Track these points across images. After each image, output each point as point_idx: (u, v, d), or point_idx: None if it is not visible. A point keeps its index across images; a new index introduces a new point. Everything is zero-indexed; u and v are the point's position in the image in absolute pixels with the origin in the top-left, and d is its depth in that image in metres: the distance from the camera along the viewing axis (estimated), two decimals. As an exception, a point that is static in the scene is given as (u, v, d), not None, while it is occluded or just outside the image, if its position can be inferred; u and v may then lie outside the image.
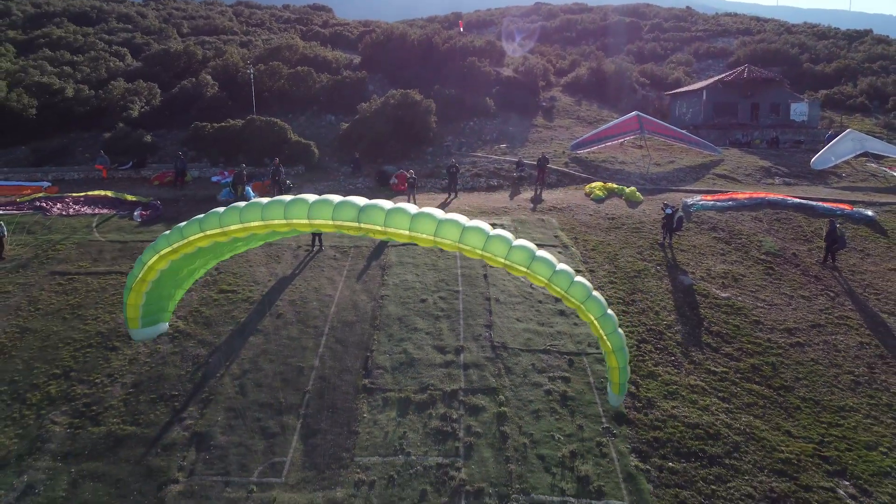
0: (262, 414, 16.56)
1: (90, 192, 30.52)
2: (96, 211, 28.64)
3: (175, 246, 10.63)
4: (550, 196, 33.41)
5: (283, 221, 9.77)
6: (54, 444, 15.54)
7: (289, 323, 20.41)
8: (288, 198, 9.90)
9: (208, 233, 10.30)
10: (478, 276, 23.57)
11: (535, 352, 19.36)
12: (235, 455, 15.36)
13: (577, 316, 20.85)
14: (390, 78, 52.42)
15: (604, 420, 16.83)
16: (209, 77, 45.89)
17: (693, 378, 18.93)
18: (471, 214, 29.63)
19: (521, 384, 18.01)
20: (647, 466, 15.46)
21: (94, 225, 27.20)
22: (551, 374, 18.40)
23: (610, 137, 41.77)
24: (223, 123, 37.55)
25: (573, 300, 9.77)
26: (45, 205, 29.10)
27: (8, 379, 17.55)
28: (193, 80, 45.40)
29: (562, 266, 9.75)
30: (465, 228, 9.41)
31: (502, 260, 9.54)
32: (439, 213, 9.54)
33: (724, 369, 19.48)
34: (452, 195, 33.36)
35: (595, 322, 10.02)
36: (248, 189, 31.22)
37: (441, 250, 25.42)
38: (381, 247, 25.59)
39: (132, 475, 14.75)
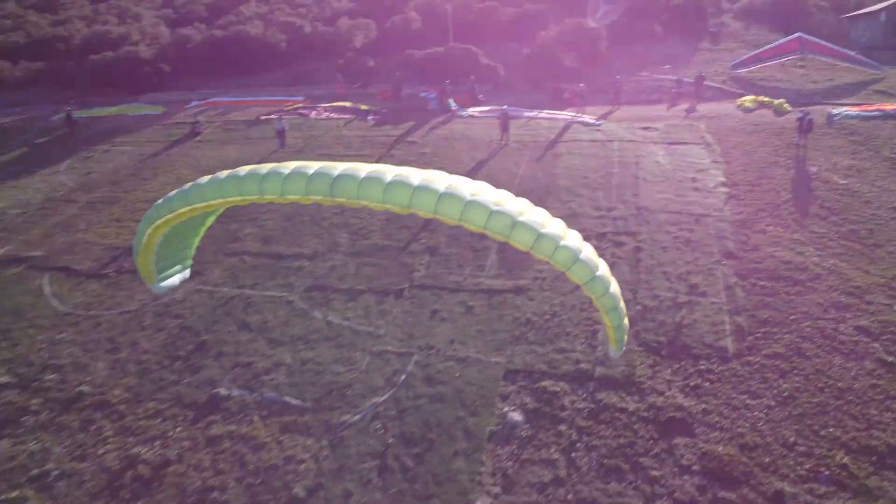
0: (470, 238, 23.98)
1: (334, 103, 39.47)
2: (341, 116, 37.46)
3: (165, 219, 10.53)
4: (704, 108, 37.62)
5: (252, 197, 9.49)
6: (343, 248, 24.03)
7: (486, 189, 27.62)
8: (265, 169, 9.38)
9: (196, 206, 10.05)
10: (630, 162, 29.32)
11: (670, 212, 25.08)
12: (455, 259, 22.93)
13: (710, 191, 26.32)
14: (567, 8, 57.17)
15: (716, 256, 22.41)
16: (414, 13, 53.62)
17: (797, 234, 23.77)
18: (630, 122, 35.08)
19: (655, 231, 23.95)
20: (744, 283, 21.00)
21: (341, 125, 36.00)
22: (680, 226, 24.10)
23: (770, 58, 44.27)
24: (428, 50, 45.08)
25: (559, 266, 8.94)
26: (303, 112, 38.39)
27: (300, 213, 26.38)
28: (401, 15, 53.34)
29: (548, 231, 8.77)
30: (441, 196, 8.61)
31: (481, 228, 8.68)
32: (427, 185, 8.69)
33: (825, 230, 24.05)
34: (617, 107, 38.61)
35: (582, 287, 9.29)
36: (451, 101, 38.56)
37: (605, 142, 31.45)
38: (556, 141, 32.00)
39: (391, 265, 22.81)
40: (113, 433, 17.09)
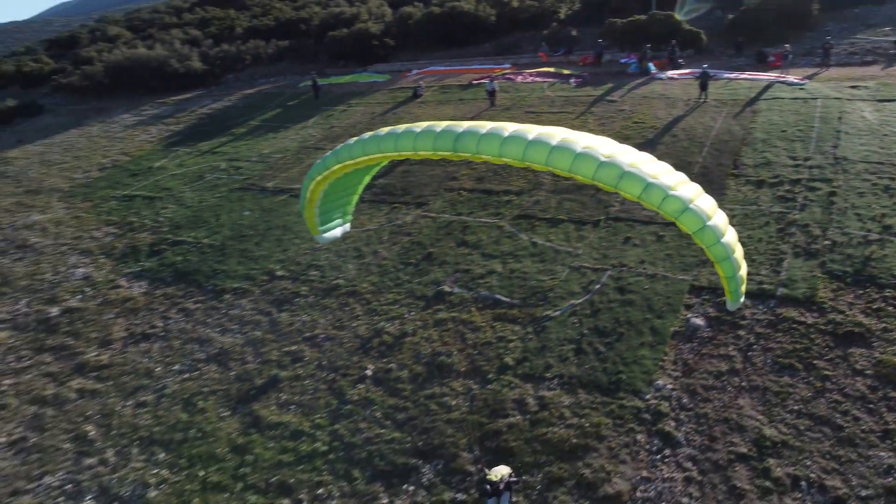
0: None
1: (539, 69, 42.49)
2: (545, 79, 40.38)
3: (323, 175, 12.10)
4: (926, 68, 35.66)
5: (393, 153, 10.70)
6: (546, 186, 27.10)
7: (679, 140, 29.20)
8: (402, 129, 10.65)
9: (347, 163, 11.48)
10: (832, 118, 29.26)
11: (872, 163, 25.13)
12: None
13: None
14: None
15: (918, 203, 22.43)
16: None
17: None
18: (837, 81, 34.39)
19: (852, 178, 24.26)
20: (945, 228, 21.03)
21: (545, 87, 38.95)
22: (881, 175, 24.19)
23: None
24: (631, 18, 46.44)
25: (667, 215, 9.15)
26: (511, 77, 41.81)
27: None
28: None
29: (657, 181, 8.98)
30: (552, 149, 9.21)
31: (590, 179, 9.11)
32: (542, 139, 9.31)
33: None
34: (824, 69, 37.62)
35: (692, 236, 9.35)
36: (650, 65, 39.94)
37: (807, 100, 31.49)
38: (756, 99, 32.52)
39: (589, 201, 25.46)
40: (363, 313, 21.64)
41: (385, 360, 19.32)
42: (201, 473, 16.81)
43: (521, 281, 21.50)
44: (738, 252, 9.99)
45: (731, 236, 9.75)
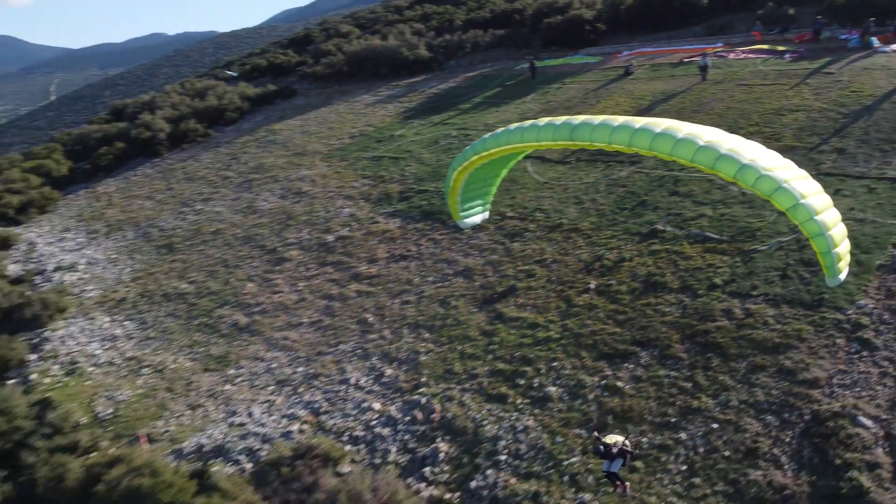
0: (880, 142, 26.76)
1: (752, 47, 43.37)
2: (758, 56, 41.33)
3: (463, 166, 13.63)
4: None
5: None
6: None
7: None
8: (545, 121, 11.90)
9: (482, 154, 12.95)
10: None
11: None
12: (861, 156, 26.18)
13: None
14: None
15: None
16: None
17: None
18: None
19: None
20: None
21: (759, 63, 40.00)
22: None
23: None
24: (855, -5, 45.42)
25: (761, 193, 9.69)
26: (723, 55, 43.15)
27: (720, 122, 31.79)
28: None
29: (750, 163, 9.61)
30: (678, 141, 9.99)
31: (689, 161, 9.89)
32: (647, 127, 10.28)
33: None
34: None
35: (786, 212, 9.79)
36: (873, 39, 39.33)
37: None
38: None
39: (802, 160, 27.08)
40: (584, 244, 25.35)
41: (605, 278, 22.92)
42: (458, 348, 21.58)
43: (730, 222, 23.99)
44: (837, 230, 10.26)
45: (829, 216, 10.15)
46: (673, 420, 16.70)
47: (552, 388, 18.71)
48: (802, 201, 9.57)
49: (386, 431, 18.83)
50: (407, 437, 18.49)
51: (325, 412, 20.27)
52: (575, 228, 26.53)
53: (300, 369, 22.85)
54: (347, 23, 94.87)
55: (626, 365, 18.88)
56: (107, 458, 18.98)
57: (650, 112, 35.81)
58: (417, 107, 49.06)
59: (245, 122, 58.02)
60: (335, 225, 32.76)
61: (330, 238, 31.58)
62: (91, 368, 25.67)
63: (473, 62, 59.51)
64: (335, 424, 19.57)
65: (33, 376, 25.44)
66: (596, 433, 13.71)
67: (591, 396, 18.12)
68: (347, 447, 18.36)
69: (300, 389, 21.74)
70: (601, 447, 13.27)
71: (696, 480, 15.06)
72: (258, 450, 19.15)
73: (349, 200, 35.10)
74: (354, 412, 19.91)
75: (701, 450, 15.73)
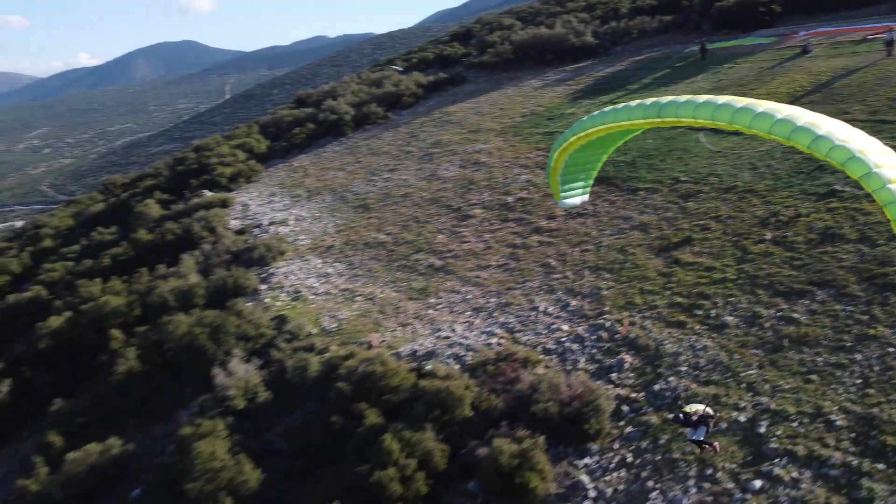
0: None
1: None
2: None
3: (562, 147, 14.01)
4: None
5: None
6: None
7: None
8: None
9: (580, 135, 13.24)
10: None
11: None
12: None
13: None
14: None
15: None
16: None
17: None
18: None
19: None
20: None
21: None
22: None
23: None
24: None
25: (835, 163, 9.94)
26: (912, 31, 41.84)
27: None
28: None
29: (824, 133, 9.91)
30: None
31: (766, 133, 10.26)
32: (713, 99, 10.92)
33: None
34: None
35: (860, 181, 9.94)
36: None
37: None
38: None
39: None
40: (759, 203, 26.71)
41: (781, 231, 24.39)
42: (638, 285, 24.05)
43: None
44: None
45: None
46: (848, 344, 18.27)
47: (729, 318, 20.74)
48: (874, 170, 9.77)
49: (574, 346, 21.73)
50: (594, 351, 21.29)
51: (519, 331, 23.52)
52: (750, 190, 27.98)
53: (493, 300, 26.29)
54: (509, 17, 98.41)
55: (801, 301, 20.51)
56: (341, 353, 23.40)
57: (829, 87, 36.02)
58: (586, 88, 51.43)
59: (420, 107, 63.01)
60: (514, 189, 36.06)
61: (510, 199, 34.92)
62: (312, 297, 30.65)
63: (640, 47, 60.81)
64: (528, 340, 22.75)
65: (266, 300, 30.82)
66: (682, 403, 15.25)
67: (767, 325, 19.98)
68: (541, 356, 21.46)
69: (495, 314, 25.17)
70: (681, 415, 14.42)
71: (870, 391, 16.66)
72: (463, 356, 22.73)
73: (525, 168, 38.29)
74: (545, 331, 22.99)
75: (876, 368, 17.25)
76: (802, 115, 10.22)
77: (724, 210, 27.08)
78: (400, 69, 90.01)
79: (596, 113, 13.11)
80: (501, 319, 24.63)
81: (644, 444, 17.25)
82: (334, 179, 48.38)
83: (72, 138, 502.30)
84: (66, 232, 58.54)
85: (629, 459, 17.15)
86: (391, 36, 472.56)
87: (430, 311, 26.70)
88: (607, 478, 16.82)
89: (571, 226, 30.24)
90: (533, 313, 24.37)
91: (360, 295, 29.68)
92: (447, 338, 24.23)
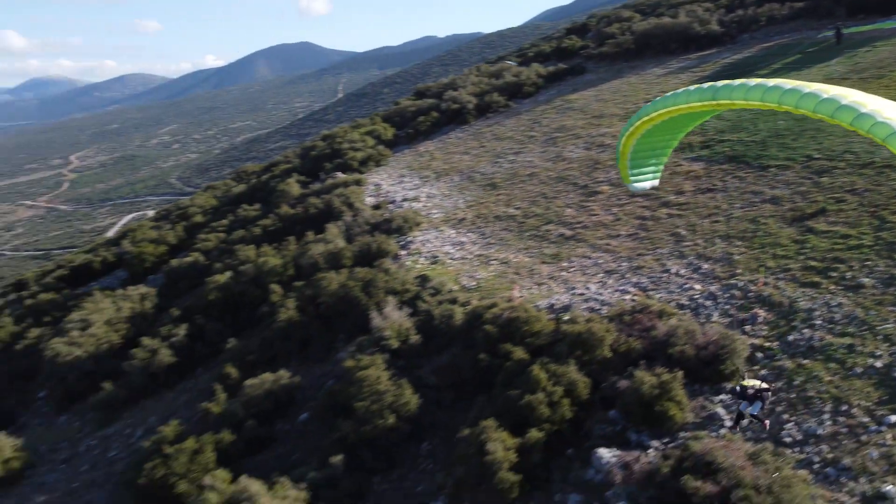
0: None
1: None
2: None
3: (629, 133, 14.67)
4: None
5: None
6: None
7: None
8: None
9: (644, 119, 13.89)
10: None
11: None
12: None
13: None
14: None
15: None
16: None
17: None
18: None
19: None
20: None
21: None
22: None
23: None
24: None
25: (877, 139, 10.27)
26: None
27: None
28: None
29: (866, 111, 10.26)
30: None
31: (811, 112, 10.82)
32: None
33: None
34: None
35: None
36: None
37: None
38: None
39: None
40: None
41: (923, 203, 24.66)
42: (770, 251, 25.01)
43: None
44: None
45: None
46: None
47: (865, 280, 21.46)
48: None
49: (707, 303, 23.07)
50: (727, 307, 22.56)
51: (651, 290, 25.08)
52: (888, 165, 28.14)
53: (624, 264, 27.92)
54: (627, 9, 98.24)
55: (943, 265, 20.99)
56: (484, 304, 25.77)
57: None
58: (712, 75, 51.59)
59: (540, 96, 64.87)
60: (640, 167, 37.28)
61: (636, 177, 36.19)
62: (449, 261, 33.30)
63: (769, 34, 59.99)
64: (661, 297, 24.26)
65: (408, 263, 33.74)
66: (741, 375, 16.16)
67: (905, 286, 20.63)
68: (675, 310, 22.97)
69: (627, 275, 26.82)
70: (738, 388, 15.66)
71: None
72: (599, 309, 24.56)
73: (651, 149, 39.38)
74: (677, 290, 24.45)
75: None
76: (849, 95, 10.72)
77: (860, 184, 27.43)
78: (514, 63, 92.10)
79: (658, 98, 13.82)
80: (634, 280, 26.24)
81: (779, 384, 18.53)
82: (460, 162, 51.10)
83: (198, 135, 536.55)
84: (212, 210, 64.60)
85: (764, 396, 18.47)
86: (501, 34, 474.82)
87: (564, 274, 28.64)
88: (743, 411, 18.22)
89: (700, 200, 31.30)
90: (665, 275, 25.82)
91: (494, 260, 32.02)
92: (581, 294, 26.11)
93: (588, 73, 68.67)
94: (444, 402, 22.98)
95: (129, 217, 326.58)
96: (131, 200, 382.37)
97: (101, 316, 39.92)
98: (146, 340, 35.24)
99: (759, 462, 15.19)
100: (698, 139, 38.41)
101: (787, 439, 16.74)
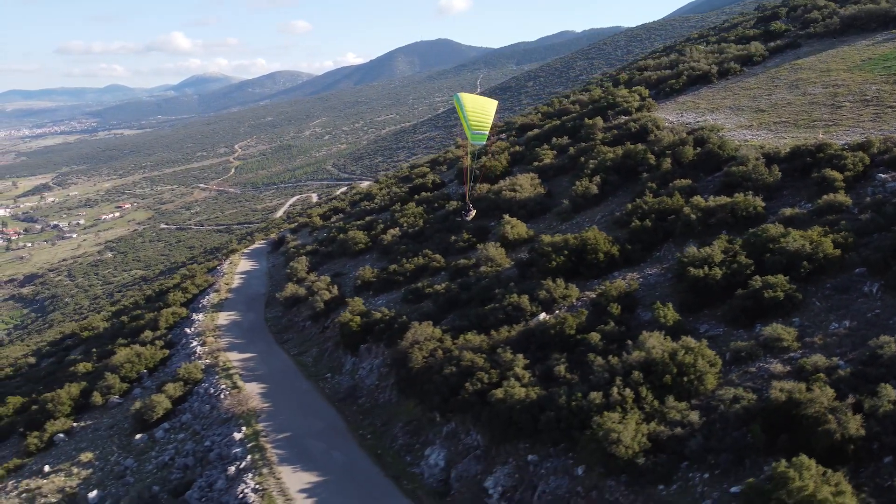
0: None
1: None
2: None
3: None
4: None
5: None
6: None
7: None
8: None
9: None
10: None
11: None
12: None
13: None
14: None
15: None
16: None
17: None
18: None
19: None
20: None
21: None
22: None
23: None
24: None
25: None
26: None
27: None
28: None
29: None
30: None
31: None
32: None
33: None
34: None
35: None
36: None
37: None
38: None
39: None
40: None
41: None
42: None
43: None
44: None
45: None
46: None
47: None
48: None
49: (924, 135, 50.82)
50: (935, 135, 50.23)
51: None
52: None
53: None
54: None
55: None
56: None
57: None
58: (911, 43, 77.47)
59: (768, 62, 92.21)
60: (869, 93, 64.64)
61: (867, 96, 63.68)
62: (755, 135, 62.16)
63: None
64: (898, 137, 52.16)
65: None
66: None
67: None
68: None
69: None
70: None
71: None
72: None
73: (873, 85, 66.53)
74: (907, 133, 52.31)
75: None
76: None
77: None
78: (705, 47, 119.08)
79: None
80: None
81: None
82: (722, 102, 79.61)
83: (346, 126, 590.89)
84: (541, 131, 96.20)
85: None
86: (646, 27, 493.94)
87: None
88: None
89: (913, 103, 58.47)
90: None
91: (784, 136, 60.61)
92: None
93: (803, 46, 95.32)
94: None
95: (294, 199, 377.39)
96: (293, 185, 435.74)
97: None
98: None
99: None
100: (907, 77, 65.25)
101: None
